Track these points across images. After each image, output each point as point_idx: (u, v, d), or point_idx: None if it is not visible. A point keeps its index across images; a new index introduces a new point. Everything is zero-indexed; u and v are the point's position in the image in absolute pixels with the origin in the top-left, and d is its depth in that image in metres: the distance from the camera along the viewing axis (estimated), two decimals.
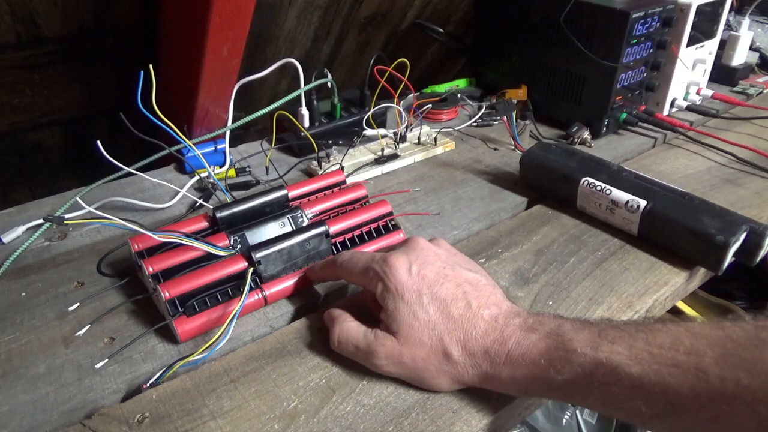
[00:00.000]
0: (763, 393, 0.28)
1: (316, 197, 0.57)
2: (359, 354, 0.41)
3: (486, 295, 0.40)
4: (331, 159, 0.70)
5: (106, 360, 0.42)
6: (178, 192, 0.64)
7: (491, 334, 0.38)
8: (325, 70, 0.73)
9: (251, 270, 0.46)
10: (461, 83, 0.95)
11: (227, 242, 0.50)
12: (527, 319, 0.39)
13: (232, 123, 0.67)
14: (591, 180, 0.58)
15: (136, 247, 0.48)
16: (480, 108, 0.86)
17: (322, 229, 0.51)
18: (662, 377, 0.31)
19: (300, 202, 0.56)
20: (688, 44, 0.79)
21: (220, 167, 0.69)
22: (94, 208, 0.53)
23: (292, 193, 0.56)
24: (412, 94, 0.86)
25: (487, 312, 0.39)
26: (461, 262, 0.44)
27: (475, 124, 0.83)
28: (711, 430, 0.30)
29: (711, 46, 0.85)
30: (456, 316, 0.39)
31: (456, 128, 0.81)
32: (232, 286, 0.47)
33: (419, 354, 0.39)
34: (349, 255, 0.45)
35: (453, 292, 0.40)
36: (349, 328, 0.42)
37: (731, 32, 0.95)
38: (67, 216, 0.60)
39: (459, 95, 0.90)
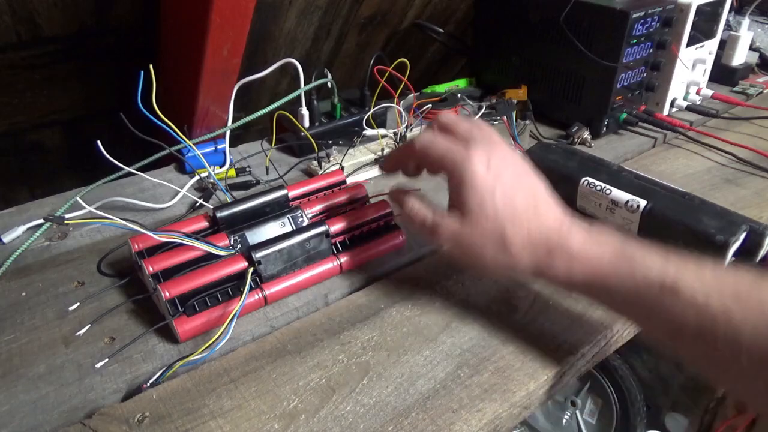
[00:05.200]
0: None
1: (316, 197, 0.57)
2: (425, 229, 0.44)
3: (553, 205, 0.42)
4: (331, 159, 0.70)
5: (107, 360, 0.42)
6: (178, 192, 0.64)
7: (555, 229, 0.40)
8: (325, 70, 0.73)
9: (251, 270, 0.46)
10: (461, 83, 0.95)
11: (227, 242, 0.50)
12: (592, 229, 0.40)
13: (232, 123, 0.67)
14: (591, 180, 0.58)
15: (137, 246, 0.48)
16: (480, 108, 0.85)
17: (322, 228, 0.51)
18: (724, 307, 0.31)
19: (300, 202, 0.56)
20: (688, 44, 0.79)
21: (220, 167, 0.69)
22: (95, 208, 0.53)
23: (292, 193, 0.56)
24: (412, 94, 0.86)
25: (553, 216, 0.41)
26: (532, 170, 0.44)
27: None
28: (754, 369, 0.30)
29: (711, 46, 0.85)
30: (521, 212, 0.41)
31: None
32: (232, 285, 0.47)
33: (478, 240, 0.41)
34: (430, 138, 0.45)
35: (524, 195, 0.42)
36: (420, 205, 0.46)
37: (731, 32, 0.95)
38: (67, 216, 0.60)
39: (459, 95, 0.89)
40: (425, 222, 0.44)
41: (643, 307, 0.35)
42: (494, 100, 0.86)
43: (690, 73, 0.84)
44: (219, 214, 0.52)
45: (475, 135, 0.43)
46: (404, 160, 0.49)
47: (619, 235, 0.39)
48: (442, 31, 1.04)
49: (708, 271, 0.33)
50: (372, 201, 0.57)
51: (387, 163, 0.51)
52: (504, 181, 0.41)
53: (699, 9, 0.76)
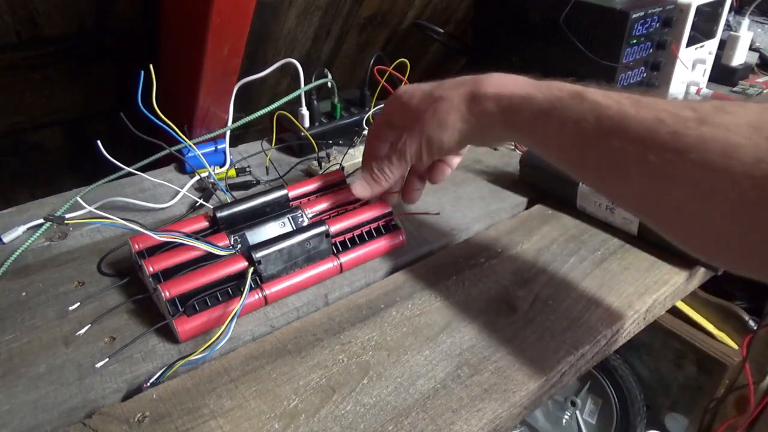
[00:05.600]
0: (686, 119, 0.32)
1: (316, 197, 0.57)
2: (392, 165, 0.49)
3: (469, 76, 0.45)
4: (331, 159, 0.70)
5: (107, 359, 0.42)
6: (178, 192, 0.64)
7: (479, 82, 0.43)
8: (325, 70, 0.73)
9: (251, 270, 0.46)
10: None
11: (227, 242, 0.50)
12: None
13: (232, 123, 0.67)
14: None
15: (137, 246, 0.48)
16: None
17: (322, 228, 0.51)
18: (619, 104, 0.35)
19: (300, 202, 0.56)
20: (688, 44, 0.80)
21: (221, 167, 0.69)
22: (95, 208, 0.53)
23: (292, 193, 0.56)
24: None
25: (471, 78, 0.44)
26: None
27: None
28: (633, 149, 0.34)
29: (711, 46, 0.85)
30: (445, 89, 0.45)
31: None
32: (232, 285, 0.47)
33: (413, 115, 0.46)
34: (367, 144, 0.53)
35: (443, 83, 0.46)
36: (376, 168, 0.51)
37: (731, 32, 0.95)
38: (67, 216, 0.60)
39: None
40: (388, 166, 0.49)
41: (555, 116, 0.38)
42: None
43: (690, 73, 0.84)
44: (219, 214, 0.52)
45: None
46: (375, 150, 0.53)
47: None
48: (442, 31, 1.04)
49: (614, 90, 0.37)
50: (372, 201, 0.57)
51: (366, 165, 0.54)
52: (423, 86, 0.47)
53: (699, 9, 0.76)
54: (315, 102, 0.74)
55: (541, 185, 0.65)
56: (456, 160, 0.53)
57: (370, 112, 0.75)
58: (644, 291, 0.51)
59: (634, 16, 0.70)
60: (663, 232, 0.36)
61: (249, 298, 0.46)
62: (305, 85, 0.69)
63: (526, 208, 0.65)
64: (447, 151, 0.46)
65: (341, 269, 0.52)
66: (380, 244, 0.54)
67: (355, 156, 0.72)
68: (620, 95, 0.36)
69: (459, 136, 0.44)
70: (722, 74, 0.95)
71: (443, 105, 0.44)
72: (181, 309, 0.44)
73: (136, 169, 0.60)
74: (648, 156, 0.33)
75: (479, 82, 0.43)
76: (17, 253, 0.54)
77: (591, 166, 0.38)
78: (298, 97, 0.72)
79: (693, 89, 0.86)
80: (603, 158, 0.37)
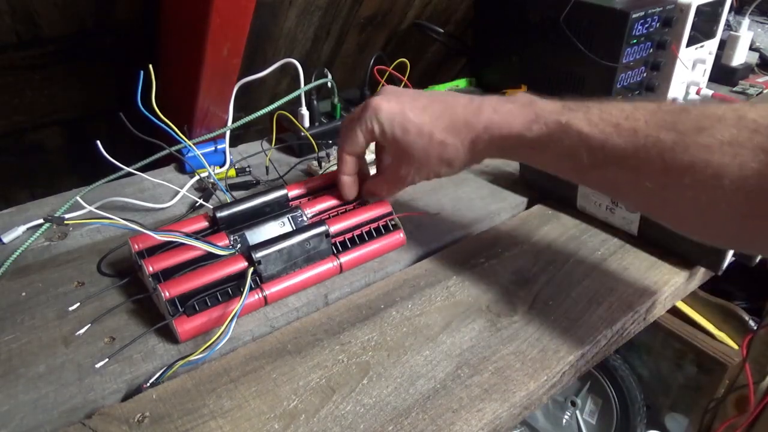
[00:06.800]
0: (671, 143, 0.35)
1: (316, 197, 0.57)
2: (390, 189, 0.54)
3: (458, 95, 0.48)
4: (331, 159, 0.70)
5: (107, 360, 0.42)
6: (178, 192, 0.64)
7: (469, 108, 0.45)
8: (325, 70, 0.73)
9: (251, 270, 0.46)
10: (461, 83, 0.95)
11: (227, 242, 0.50)
12: (501, 97, 0.46)
13: (232, 123, 0.67)
14: None
15: (137, 246, 0.48)
16: None
17: (322, 228, 0.51)
18: (604, 135, 0.38)
19: (300, 202, 0.56)
20: (688, 44, 0.79)
21: (220, 167, 0.69)
22: (95, 208, 0.53)
23: (292, 193, 0.56)
24: None
25: (462, 100, 0.47)
26: (424, 91, 0.51)
27: None
28: (630, 176, 0.37)
29: (711, 46, 0.85)
30: (437, 112, 0.46)
31: None
32: (232, 285, 0.47)
33: (421, 156, 0.47)
34: (340, 139, 0.52)
35: (429, 100, 0.47)
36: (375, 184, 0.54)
37: (731, 32, 0.95)
38: (67, 216, 0.60)
39: None
40: (384, 190, 0.53)
41: (546, 149, 0.42)
42: None
43: (690, 73, 0.84)
44: (219, 214, 0.52)
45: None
46: (340, 161, 0.53)
47: (523, 98, 0.45)
48: (442, 31, 1.04)
49: (595, 111, 0.39)
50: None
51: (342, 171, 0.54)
52: (406, 99, 0.47)
53: (699, 9, 0.76)
54: (315, 102, 0.74)
55: (541, 185, 0.65)
56: None
57: None
58: (644, 291, 0.51)
59: (634, 16, 0.70)
60: (666, 226, 0.40)
61: (249, 298, 0.46)
62: (305, 85, 0.69)
63: (526, 208, 0.65)
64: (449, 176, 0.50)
65: (341, 269, 0.52)
66: (380, 244, 0.54)
67: None
68: (602, 119, 0.38)
69: (463, 169, 0.49)
70: (722, 74, 0.95)
71: (450, 151, 0.46)
72: (180, 309, 0.44)
73: (135, 169, 0.60)
74: (644, 183, 0.37)
75: (475, 126, 0.45)
76: (17, 253, 0.54)
77: (592, 186, 0.43)
78: (298, 97, 0.72)
79: (693, 89, 0.86)
80: (601, 183, 0.41)
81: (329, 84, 0.73)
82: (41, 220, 0.58)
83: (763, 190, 0.31)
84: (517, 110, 0.43)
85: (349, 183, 0.53)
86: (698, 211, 0.35)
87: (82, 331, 0.45)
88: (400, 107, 0.47)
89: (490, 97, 0.46)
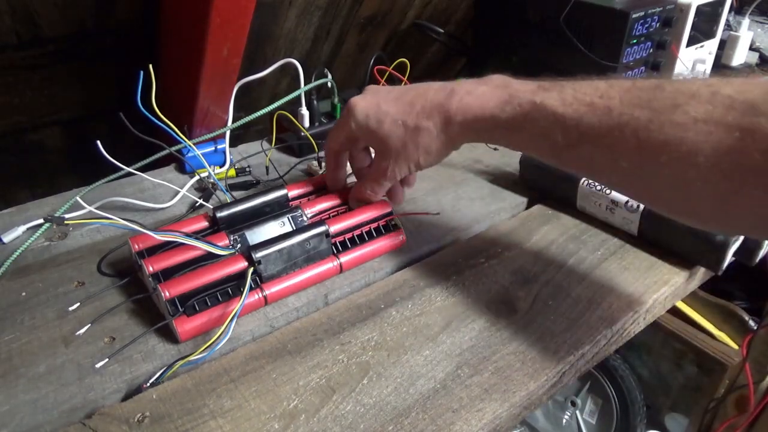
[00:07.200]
0: (646, 121, 0.34)
1: (316, 197, 0.57)
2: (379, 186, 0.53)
3: (434, 84, 0.48)
4: None
5: (107, 359, 0.42)
6: (178, 192, 0.64)
7: (441, 92, 0.45)
8: (325, 70, 0.73)
9: (251, 270, 0.46)
10: None
11: (227, 242, 0.50)
12: (475, 80, 0.45)
13: (232, 123, 0.67)
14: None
15: (137, 246, 0.48)
16: None
17: (322, 228, 0.51)
18: (578, 114, 0.38)
19: (300, 202, 0.56)
20: (688, 44, 0.80)
21: (220, 167, 0.69)
22: (95, 208, 0.53)
23: (292, 193, 0.56)
24: None
25: (435, 85, 0.47)
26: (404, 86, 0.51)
27: None
28: (605, 155, 0.37)
29: (711, 46, 0.85)
30: (409, 99, 0.47)
31: None
32: (232, 285, 0.47)
33: (398, 145, 0.47)
34: (326, 146, 0.55)
35: (403, 90, 0.48)
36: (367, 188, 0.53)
37: (731, 32, 0.95)
38: (67, 216, 0.60)
39: None
40: (375, 190, 0.53)
41: (521, 129, 0.41)
42: None
43: (690, 73, 0.84)
44: (219, 214, 0.52)
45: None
46: (329, 165, 0.56)
47: (497, 80, 0.44)
48: (442, 31, 1.04)
49: (569, 91, 0.39)
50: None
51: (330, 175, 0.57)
52: (382, 94, 0.49)
53: (699, 9, 0.76)
54: (315, 102, 0.74)
55: (541, 185, 0.65)
56: None
57: None
58: (644, 291, 0.51)
59: (634, 16, 0.70)
60: (644, 204, 0.41)
61: (249, 298, 0.46)
62: (305, 85, 0.69)
63: (526, 208, 0.65)
64: (431, 166, 0.50)
65: (341, 269, 0.52)
66: (380, 244, 0.54)
67: None
68: (576, 99, 0.38)
69: (442, 155, 0.49)
70: (722, 74, 0.95)
71: (425, 136, 0.46)
72: (180, 309, 0.44)
73: (135, 169, 0.60)
74: (619, 162, 0.36)
75: (447, 109, 0.45)
76: (17, 253, 0.54)
77: (570, 166, 0.42)
78: (298, 97, 0.72)
79: None
80: (577, 162, 0.40)
81: (329, 84, 0.73)
82: (41, 220, 0.58)
83: (739, 168, 0.31)
84: (490, 92, 0.43)
85: (333, 177, 0.56)
86: (675, 190, 0.35)
87: (82, 331, 0.45)
88: (375, 101, 0.48)
89: (464, 81, 0.46)
